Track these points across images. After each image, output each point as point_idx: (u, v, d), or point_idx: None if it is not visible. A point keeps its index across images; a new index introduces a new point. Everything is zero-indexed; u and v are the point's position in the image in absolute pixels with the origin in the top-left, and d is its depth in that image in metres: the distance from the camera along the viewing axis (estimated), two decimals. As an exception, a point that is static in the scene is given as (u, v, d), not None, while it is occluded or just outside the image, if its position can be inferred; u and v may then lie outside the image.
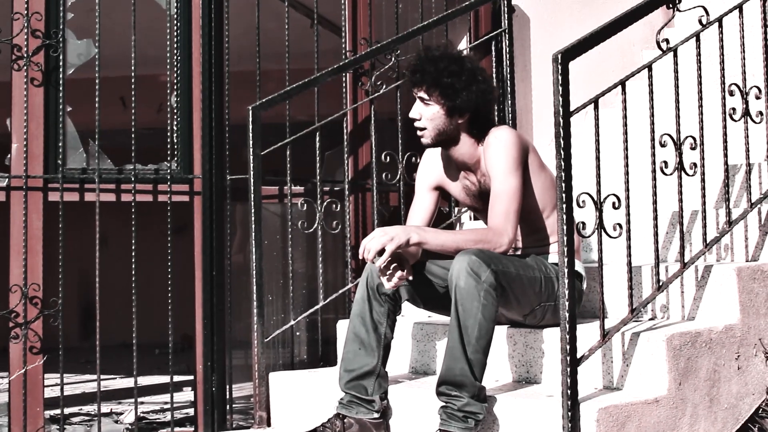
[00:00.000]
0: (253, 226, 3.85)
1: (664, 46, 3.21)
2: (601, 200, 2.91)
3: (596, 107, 2.98)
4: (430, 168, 3.44)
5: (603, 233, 2.92)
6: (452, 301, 2.96)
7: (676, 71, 3.24)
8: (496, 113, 4.59)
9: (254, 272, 3.83)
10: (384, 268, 3.11)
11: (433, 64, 3.16)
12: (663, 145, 3.13)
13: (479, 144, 3.25)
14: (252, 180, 3.87)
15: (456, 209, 4.57)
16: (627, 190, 3.04)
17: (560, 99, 2.77)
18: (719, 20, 3.38)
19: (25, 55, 4.21)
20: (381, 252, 3.01)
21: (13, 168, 4.23)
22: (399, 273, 3.11)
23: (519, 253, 3.32)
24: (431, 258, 3.26)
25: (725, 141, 3.39)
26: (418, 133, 3.24)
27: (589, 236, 2.91)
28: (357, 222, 4.54)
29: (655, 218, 3.11)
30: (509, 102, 4.79)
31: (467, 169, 3.32)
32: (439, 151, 3.40)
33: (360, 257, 3.07)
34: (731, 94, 3.39)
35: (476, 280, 2.92)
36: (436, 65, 3.16)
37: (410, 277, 3.16)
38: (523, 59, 5.01)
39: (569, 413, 2.72)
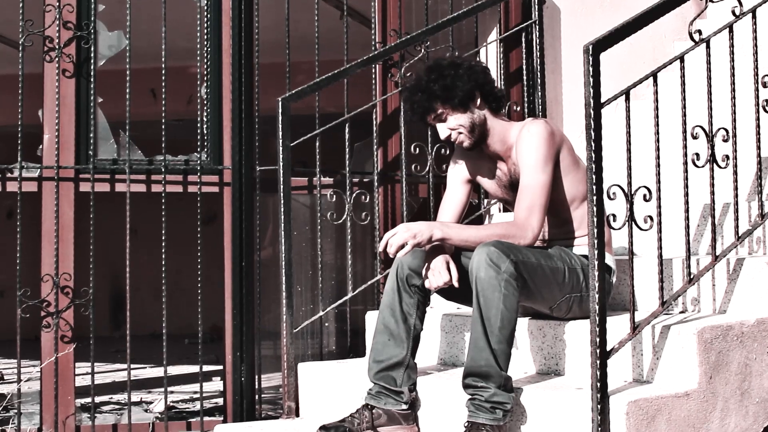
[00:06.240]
0: (283, 217, 3.86)
1: (696, 37, 3.18)
2: (632, 192, 2.89)
3: (627, 99, 2.95)
4: (462, 161, 3.46)
5: (634, 225, 2.91)
6: (473, 293, 2.97)
7: (708, 63, 3.21)
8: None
9: (283, 263, 3.83)
10: (430, 269, 3.13)
11: (423, 92, 3.23)
12: (695, 137, 3.11)
13: (508, 124, 3.29)
14: (281, 171, 3.88)
15: (485, 201, 4.55)
16: (658, 182, 3.02)
17: (591, 90, 2.76)
18: (753, 11, 3.35)
19: (57, 47, 4.24)
20: (402, 247, 3.06)
21: (45, 158, 4.26)
22: (446, 277, 3.12)
23: (545, 244, 3.32)
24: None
25: (758, 133, 3.35)
26: (458, 143, 3.29)
27: (619, 228, 2.89)
28: (386, 213, 4.54)
29: (687, 210, 3.09)
30: (539, 93, 4.76)
31: (499, 158, 3.33)
32: None
33: (380, 251, 3.10)
34: (764, 85, 3.35)
35: (496, 271, 2.92)
36: (426, 89, 3.22)
37: (455, 284, 3.16)
38: (554, 51, 4.99)
39: (599, 406, 2.71)
